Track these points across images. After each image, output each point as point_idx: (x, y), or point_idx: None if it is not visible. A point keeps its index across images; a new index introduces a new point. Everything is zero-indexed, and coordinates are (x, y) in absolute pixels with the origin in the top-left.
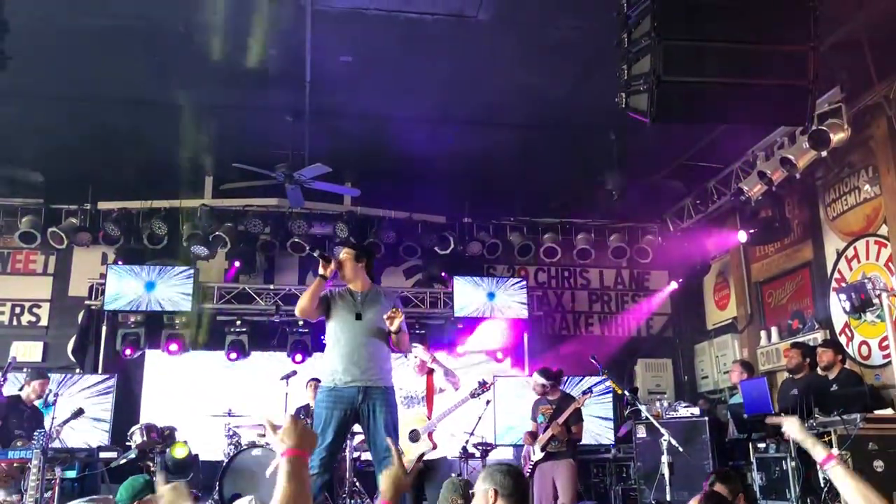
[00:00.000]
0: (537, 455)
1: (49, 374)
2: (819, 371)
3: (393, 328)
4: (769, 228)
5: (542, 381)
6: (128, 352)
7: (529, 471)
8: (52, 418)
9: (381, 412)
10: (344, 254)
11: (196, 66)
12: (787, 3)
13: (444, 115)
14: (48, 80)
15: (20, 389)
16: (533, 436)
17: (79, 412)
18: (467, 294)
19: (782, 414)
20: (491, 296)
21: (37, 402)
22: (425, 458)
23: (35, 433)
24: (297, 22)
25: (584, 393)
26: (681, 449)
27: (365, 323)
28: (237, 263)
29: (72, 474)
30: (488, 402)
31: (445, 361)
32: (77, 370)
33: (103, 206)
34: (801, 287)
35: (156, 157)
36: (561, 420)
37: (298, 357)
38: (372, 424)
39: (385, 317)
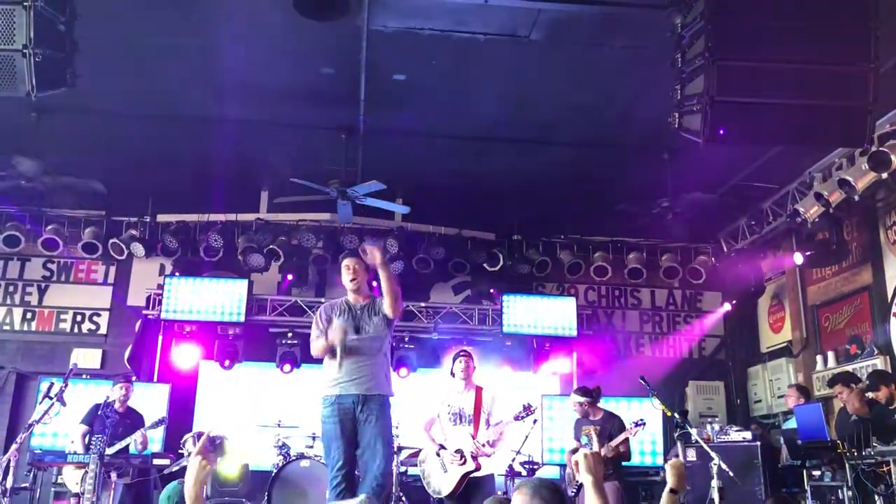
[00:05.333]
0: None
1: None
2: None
3: (376, 262)
4: (826, 251)
5: (580, 399)
6: (182, 361)
7: (574, 492)
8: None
9: (375, 420)
10: (356, 263)
11: (253, 84)
12: (846, 22)
13: (496, 134)
14: (114, 98)
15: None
16: None
17: (161, 420)
18: (516, 311)
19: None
20: (540, 313)
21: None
22: (471, 476)
23: (94, 437)
24: (353, 42)
25: (636, 424)
26: (731, 474)
27: (364, 336)
28: (290, 276)
29: (127, 480)
30: (535, 421)
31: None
32: (133, 378)
33: (162, 218)
34: (860, 311)
35: (213, 172)
36: (614, 444)
37: None
38: (364, 430)
39: (369, 250)
